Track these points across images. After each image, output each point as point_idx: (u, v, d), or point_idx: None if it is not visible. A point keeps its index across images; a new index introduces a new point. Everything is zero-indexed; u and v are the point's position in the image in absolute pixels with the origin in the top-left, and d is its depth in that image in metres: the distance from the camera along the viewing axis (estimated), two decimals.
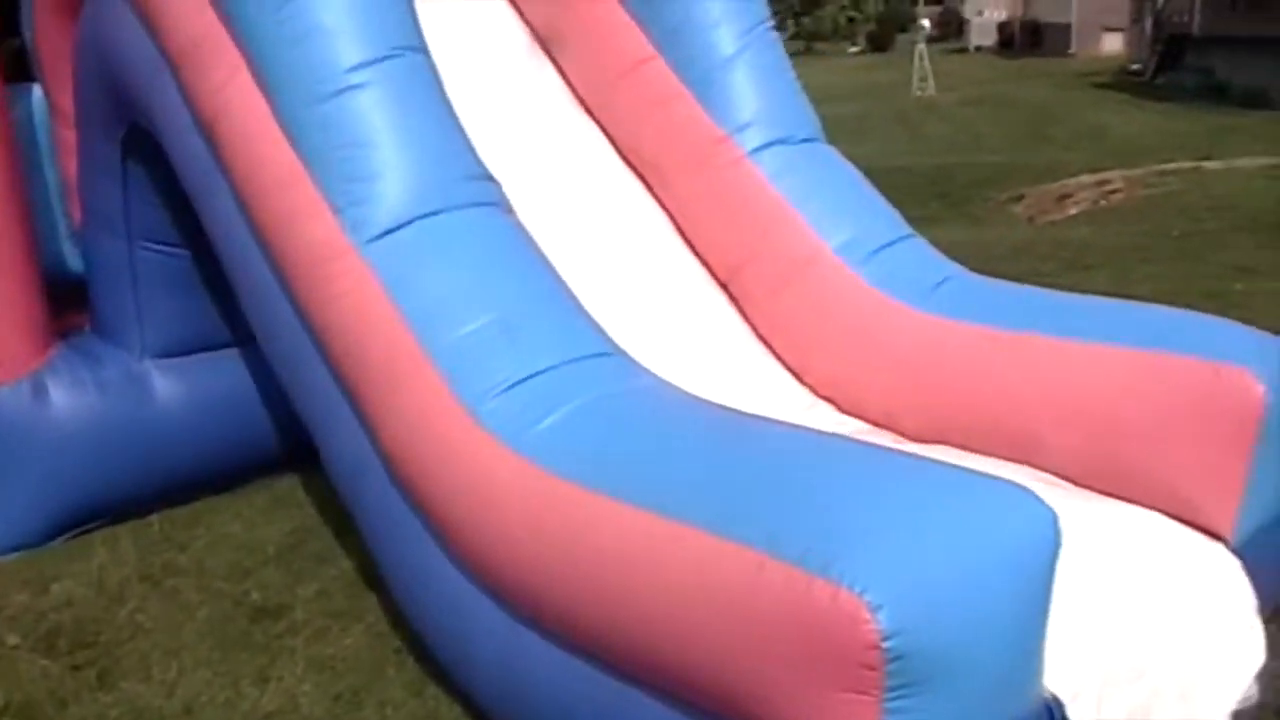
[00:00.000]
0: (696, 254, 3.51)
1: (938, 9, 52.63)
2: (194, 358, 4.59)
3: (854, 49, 48.85)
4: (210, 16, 2.89)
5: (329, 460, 2.94)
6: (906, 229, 3.36)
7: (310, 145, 2.70)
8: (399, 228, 2.61)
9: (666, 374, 3.13)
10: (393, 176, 2.66)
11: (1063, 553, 2.39)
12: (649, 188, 3.62)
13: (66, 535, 4.44)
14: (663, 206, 3.59)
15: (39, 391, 4.37)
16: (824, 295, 3.22)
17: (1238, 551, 2.58)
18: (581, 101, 3.74)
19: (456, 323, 2.47)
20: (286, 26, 2.72)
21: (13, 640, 3.63)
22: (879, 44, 49.29)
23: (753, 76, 3.44)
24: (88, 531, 4.43)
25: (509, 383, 2.36)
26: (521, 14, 3.89)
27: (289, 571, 3.92)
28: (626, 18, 3.55)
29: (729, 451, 2.06)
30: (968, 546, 1.73)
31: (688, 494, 1.94)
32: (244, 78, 2.82)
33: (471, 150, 2.86)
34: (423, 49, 2.88)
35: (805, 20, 28.10)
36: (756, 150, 3.37)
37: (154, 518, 4.50)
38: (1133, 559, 2.49)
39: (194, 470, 4.67)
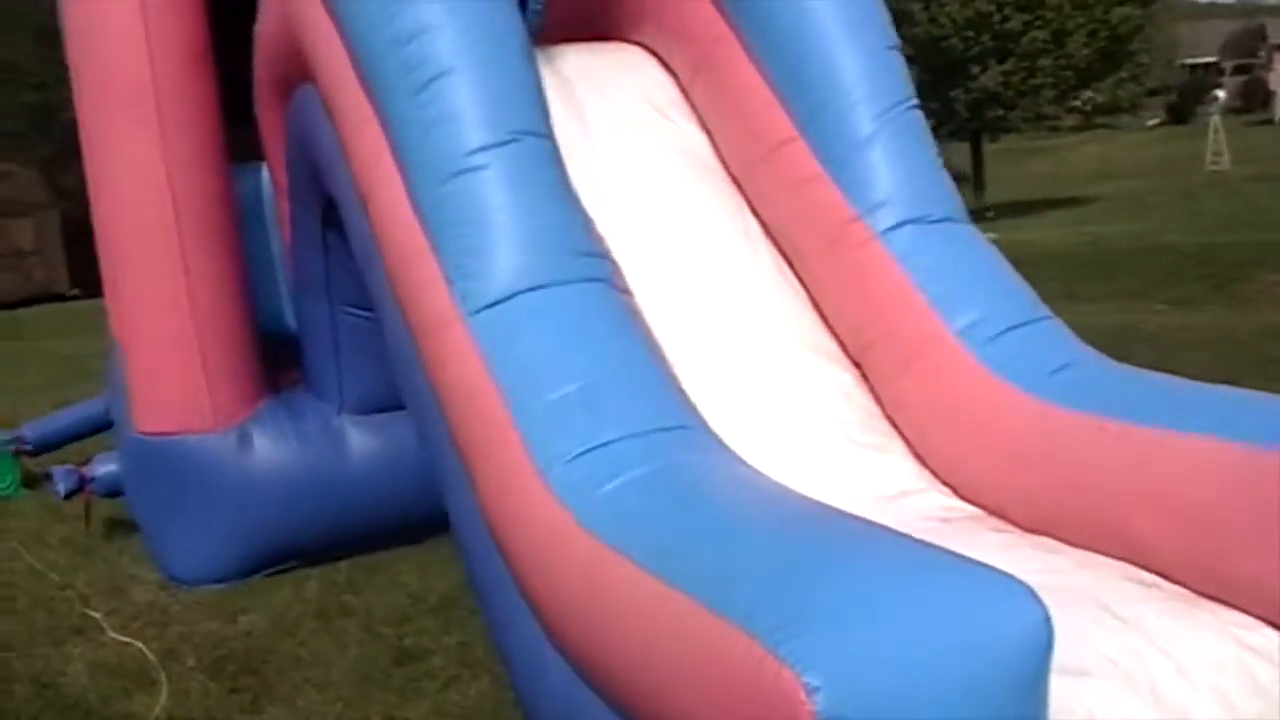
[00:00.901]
0: (832, 333, 3.53)
1: (1242, 79, 49.82)
2: (389, 415, 4.92)
3: (1152, 121, 46.85)
4: (364, 103, 3.16)
5: (451, 517, 3.12)
6: (1039, 311, 3.28)
7: (434, 221, 2.92)
8: (502, 300, 2.77)
9: (791, 448, 3.22)
10: (502, 252, 2.83)
11: (1144, 661, 2.30)
12: (790, 266, 3.66)
13: (263, 573, 4.84)
14: (803, 285, 3.63)
15: (245, 440, 4.80)
16: (940, 378, 3.18)
17: None
18: (728, 169, 3.83)
19: (542, 391, 2.60)
20: (422, 111, 2.96)
21: (190, 662, 3.99)
22: (1179, 115, 47.09)
23: (889, 156, 3.45)
24: (283, 571, 4.82)
25: (580, 450, 2.47)
26: (668, 67, 4.02)
27: (443, 620, 4.15)
28: (770, 96, 3.63)
29: (750, 527, 2.10)
30: (932, 636, 1.70)
31: (694, 563, 2.00)
32: (387, 160, 3.07)
33: (586, 228, 3.01)
34: (546, 134, 3.07)
35: (1095, 94, 27.05)
36: (888, 230, 3.37)
37: (342, 564, 4.83)
38: (1226, 671, 2.34)
39: (383, 520, 4.99)
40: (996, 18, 25.82)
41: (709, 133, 3.94)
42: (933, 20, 25.86)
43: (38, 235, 24.79)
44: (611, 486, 2.37)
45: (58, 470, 5.30)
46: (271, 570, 4.82)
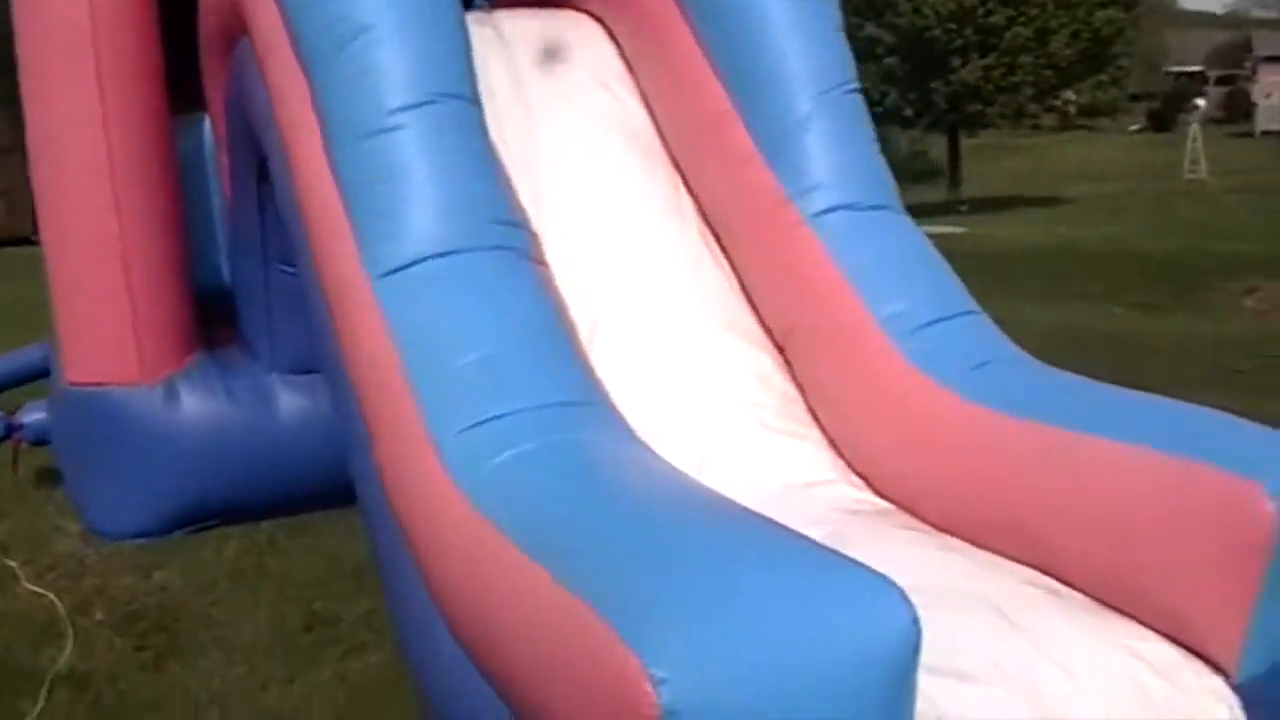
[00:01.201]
0: (757, 316, 3.49)
1: (1226, 89, 49.97)
2: (319, 376, 4.85)
3: (1134, 126, 46.91)
4: (291, 58, 3.09)
5: (355, 483, 3.06)
6: (965, 305, 3.24)
7: (348, 182, 2.86)
8: (410, 265, 2.71)
9: (702, 431, 3.18)
10: (414, 216, 2.77)
11: (1032, 667, 2.27)
12: (723, 247, 3.61)
13: (185, 530, 4.77)
14: (734, 268, 3.58)
15: (172, 394, 4.73)
16: (861, 367, 3.14)
17: (1239, 689, 2.37)
18: (667, 146, 3.78)
19: (442, 359, 2.55)
20: (343, 68, 2.89)
21: (100, 616, 3.94)
22: (1161, 123, 47.17)
23: (825, 139, 3.39)
24: (205, 529, 4.75)
25: (473, 422, 2.42)
26: (613, 37, 3.96)
27: (357, 586, 4.10)
28: (709, 69, 3.57)
29: (626, 509, 2.05)
30: (790, 632, 1.66)
31: (563, 542, 1.96)
32: (310, 117, 3.01)
33: (505, 196, 2.95)
34: (470, 98, 3.01)
35: (1075, 95, 27.10)
36: (818, 214, 3.32)
37: (265, 525, 4.77)
38: (1116, 681, 2.32)
39: (309, 483, 4.91)
40: (980, 11, 25.70)
41: (650, 107, 3.89)
42: (916, 10, 25.74)
43: (4, 177, 24.39)
44: (499, 460, 2.32)
45: None
46: (194, 528, 4.76)
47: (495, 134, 3.54)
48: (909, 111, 27.27)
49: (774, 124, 3.44)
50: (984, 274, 12.62)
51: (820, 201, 3.35)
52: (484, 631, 2.14)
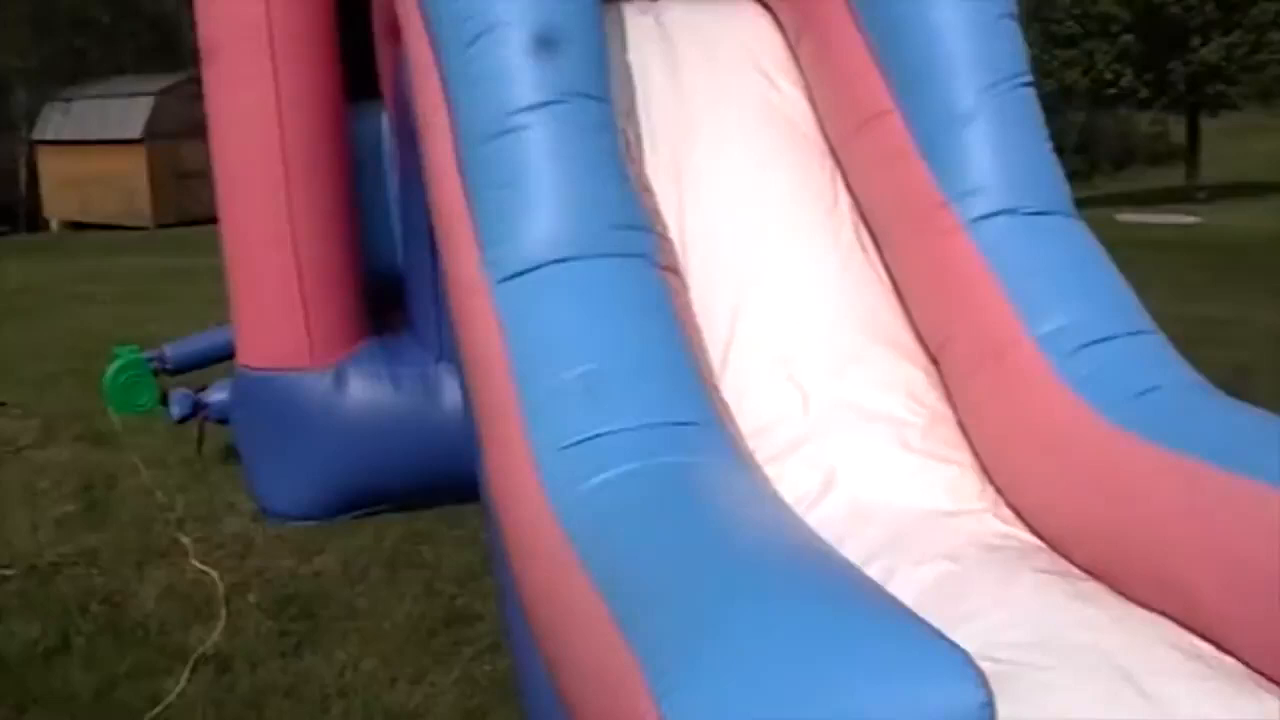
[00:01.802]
0: (911, 325, 3.27)
1: None
2: None
3: None
4: (428, 53, 3.05)
5: (480, 483, 3.02)
6: (1137, 323, 2.94)
7: (473, 182, 2.80)
8: (528, 270, 2.64)
9: (842, 451, 2.99)
10: (535, 219, 2.69)
11: None
12: (878, 248, 3.41)
13: (351, 515, 4.85)
14: (888, 270, 3.37)
15: (340, 380, 4.81)
16: (1013, 388, 2.89)
17: None
18: (828, 141, 3.59)
19: (551, 371, 2.46)
20: (471, 66, 2.83)
21: (254, 598, 4.03)
22: None
23: (989, 137, 3.14)
24: (370, 515, 4.82)
25: (575, 439, 2.33)
26: (781, 25, 3.79)
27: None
28: (869, 62, 3.36)
29: (704, 548, 1.91)
30: (837, 708, 1.49)
31: (631, 578, 1.84)
32: (442, 115, 2.96)
33: (631, 199, 2.83)
34: (599, 96, 2.89)
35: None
36: (978, 219, 3.08)
37: (428, 513, 4.81)
38: None
39: (472, 473, 4.93)
40: None
41: (813, 100, 3.70)
42: None
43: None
44: (595, 481, 2.21)
45: (175, 393, 5.43)
46: (360, 513, 4.84)
47: (646, 125, 3.46)
48: (1145, 92, 25.81)
49: (934, 120, 3.20)
50: (1214, 268, 11.93)
51: (981, 205, 3.10)
52: (554, 653, 2.05)
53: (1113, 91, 26.06)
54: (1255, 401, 6.60)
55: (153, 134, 24.82)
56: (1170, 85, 25.41)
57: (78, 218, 26.86)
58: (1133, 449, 2.58)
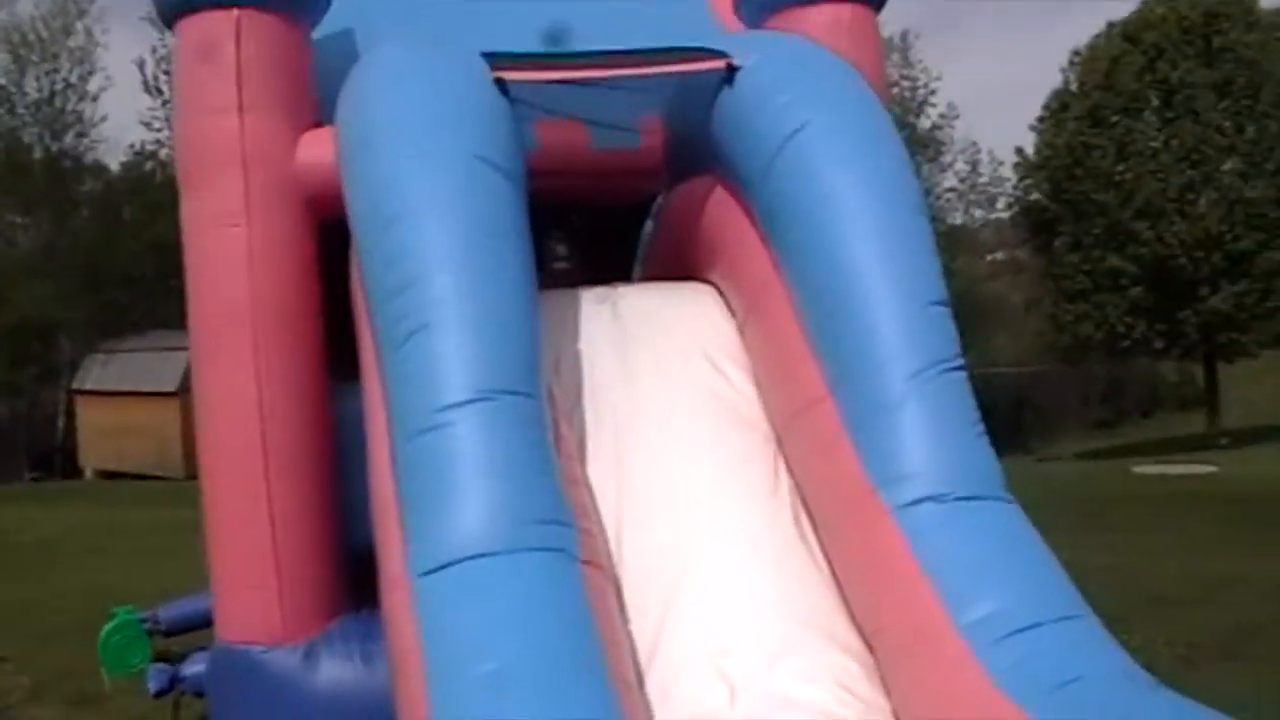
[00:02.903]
0: (848, 612, 3.28)
1: None
2: None
3: None
4: (370, 349, 3.21)
5: None
6: (1066, 608, 2.94)
7: (402, 477, 2.90)
8: (448, 565, 2.71)
9: None
10: (457, 514, 2.78)
11: None
12: (818, 534, 3.46)
13: None
14: (826, 557, 3.41)
15: (311, 657, 4.79)
16: (940, 678, 2.88)
17: None
18: (774, 427, 3.68)
19: (460, 667, 2.50)
20: (403, 365, 2.98)
21: None
22: None
23: (918, 423, 3.22)
24: None
25: None
26: (731, 311, 3.93)
27: None
28: (807, 350, 3.48)
29: None
30: None
31: None
32: (381, 410, 3.10)
33: (556, 495, 2.91)
34: (529, 392, 3.02)
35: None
36: (906, 506, 3.13)
37: None
38: None
39: None
40: (1228, 237, 24.77)
41: (758, 382, 3.83)
42: (1159, 239, 25.00)
43: None
44: None
45: (152, 668, 5.44)
46: None
47: (591, 412, 3.58)
48: (1159, 343, 26.19)
49: (865, 407, 3.30)
50: (1228, 521, 11.78)
51: (909, 492, 3.16)
52: None
53: (1127, 344, 26.47)
54: (1257, 658, 6.39)
55: (188, 388, 25.44)
56: (1183, 335, 25.80)
57: (112, 466, 27.38)
58: None
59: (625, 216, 4.89)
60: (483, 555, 2.71)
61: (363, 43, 4.77)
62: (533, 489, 2.87)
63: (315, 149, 4.36)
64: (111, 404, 27.66)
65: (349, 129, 3.61)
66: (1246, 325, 25.30)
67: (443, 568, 2.71)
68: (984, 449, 3.30)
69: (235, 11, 4.29)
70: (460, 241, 3.06)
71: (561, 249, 4.47)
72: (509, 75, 3.60)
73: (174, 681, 5.41)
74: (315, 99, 4.54)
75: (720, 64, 3.79)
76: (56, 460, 29.59)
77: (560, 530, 2.84)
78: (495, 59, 3.66)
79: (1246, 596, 8.08)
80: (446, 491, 2.81)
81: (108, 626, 5.74)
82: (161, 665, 5.45)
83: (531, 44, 4.14)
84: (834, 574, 3.36)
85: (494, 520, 2.77)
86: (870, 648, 3.20)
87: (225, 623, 4.94)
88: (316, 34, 4.60)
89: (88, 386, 28.76)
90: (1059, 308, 27.49)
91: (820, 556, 3.40)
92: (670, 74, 3.94)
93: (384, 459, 3.01)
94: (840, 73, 3.80)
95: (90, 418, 28.68)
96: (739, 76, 3.75)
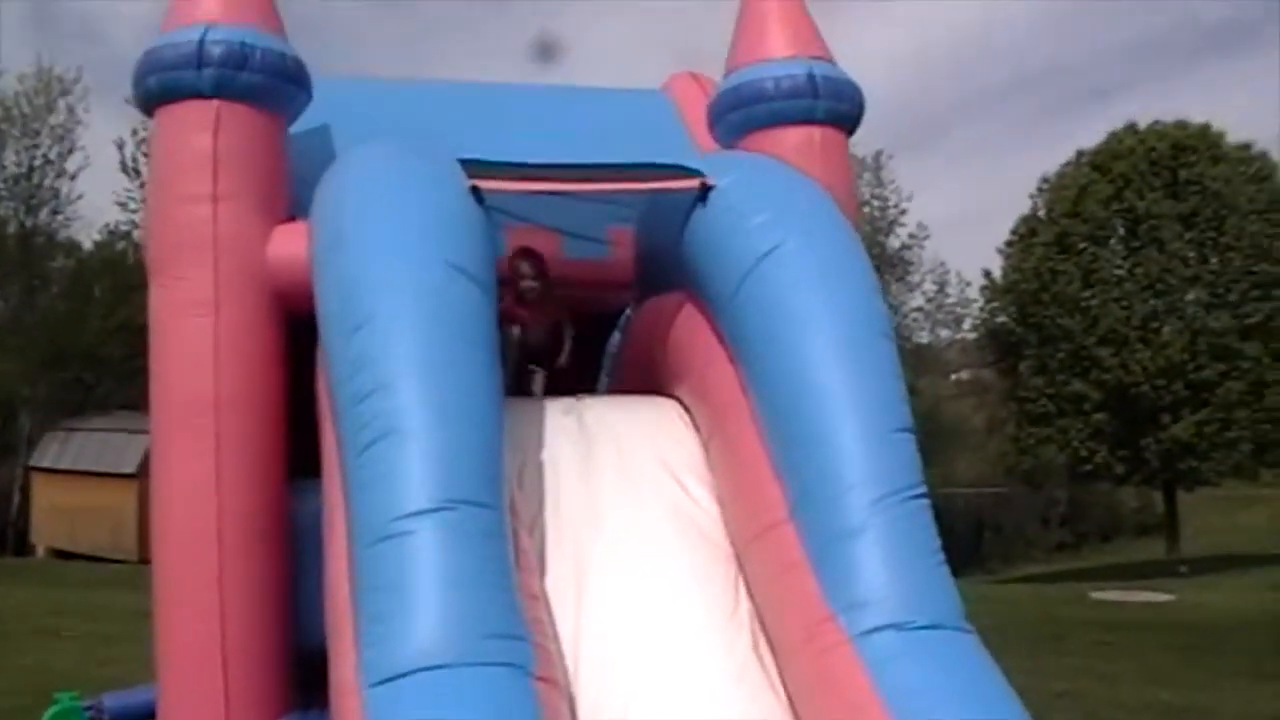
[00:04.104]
0: None
1: None
2: None
3: None
4: (333, 453, 3.19)
5: None
6: None
7: (358, 580, 2.86)
8: (400, 676, 2.66)
9: None
10: (411, 625, 2.74)
11: None
12: (775, 658, 3.42)
13: None
14: (783, 681, 3.36)
15: None
16: None
17: None
18: (735, 545, 3.66)
19: None
20: (364, 471, 2.96)
21: None
22: None
23: (878, 550, 3.21)
24: None
25: None
26: (696, 427, 3.93)
27: None
28: (770, 472, 3.48)
29: None
30: None
31: None
32: (340, 515, 3.07)
33: (512, 608, 2.88)
34: (490, 503, 3.00)
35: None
36: (864, 634, 3.11)
37: None
38: None
39: None
40: (1190, 366, 25.11)
41: (720, 502, 3.81)
42: (1123, 366, 25.31)
43: None
44: None
45: None
46: None
47: (553, 524, 3.55)
48: (1120, 469, 26.37)
49: (826, 533, 3.30)
50: (1184, 650, 11.72)
51: (867, 620, 3.14)
52: None
53: (1089, 468, 26.63)
54: None
55: (148, 470, 25.11)
56: (1145, 462, 25.98)
57: (65, 546, 26.86)
58: None
59: (593, 327, 4.92)
60: (436, 667, 2.68)
61: (341, 140, 4.82)
62: (490, 602, 2.84)
63: (289, 243, 4.37)
64: (68, 483, 27.24)
65: (323, 227, 3.63)
66: (1207, 454, 25.49)
67: (395, 678, 2.66)
68: (944, 578, 3.29)
69: (215, 102, 4.32)
70: (428, 349, 3.07)
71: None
72: (484, 184, 3.63)
73: None
74: (291, 193, 4.57)
75: (694, 183, 3.85)
76: (9, 537, 29.03)
77: (516, 645, 2.80)
78: (471, 166, 3.70)
79: None
80: (403, 601, 2.77)
81: (50, 712, 5.58)
82: None
83: (511, 146, 4.15)
84: (789, 698, 3.31)
85: (449, 633, 2.73)
86: None
87: (170, 716, 4.82)
88: (295, 129, 4.63)
89: (45, 464, 28.33)
90: (1022, 430, 27.67)
91: (777, 680, 3.36)
92: (645, 191, 3.99)
93: (341, 561, 2.97)
94: (812, 196, 3.87)
95: (45, 496, 28.22)
96: (712, 196, 3.80)
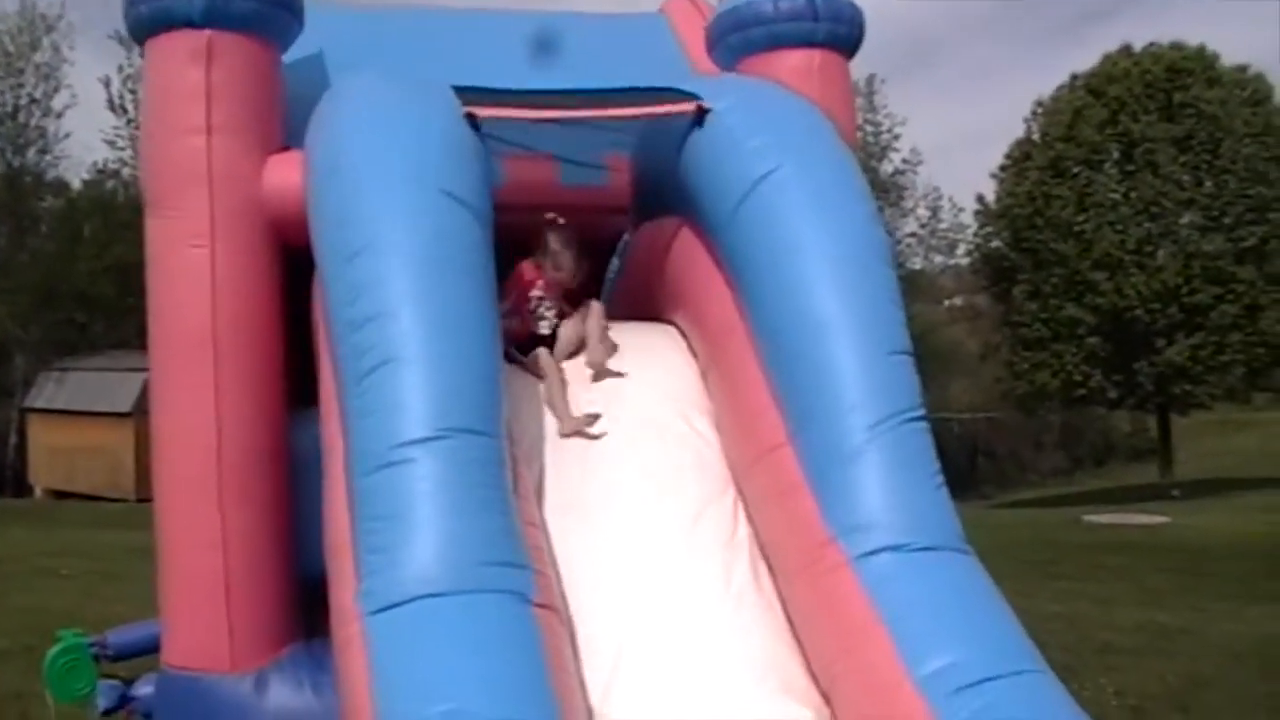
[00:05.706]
0: (804, 661, 3.27)
1: None
2: None
3: None
4: (330, 383, 3.18)
5: None
6: (1021, 662, 2.94)
7: (357, 509, 2.87)
8: (400, 604, 2.68)
9: None
10: (412, 552, 2.75)
11: None
12: (776, 582, 3.44)
13: None
14: (784, 605, 3.39)
15: (261, 685, 4.71)
16: None
17: None
18: (733, 472, 3.67)
19: (411, 707, 2.47)
20: (362, 399, 2.96)
21: None
22: None
23: (877, 473, 3.22)
24: None
25: None
26: (694, 353, 3.93)
27: None
28: (769, 398, 3.48)
29: None
30: None
31: None
32: (339, 444, 3.07)
33: (512, 535, 2.89)
34: (489, 431, 2.99)
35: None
36: (864, 556, 3.13)
37: None
38: None
39: None
40: (1184, 290, 25.15)
41: (719, 429, 3.81)
42: (1117, 290, 25.33)
43: None
44: None
45: (103, 684, 5.32)
46: None
47: (551, 452, 3.55)
48: (1114, 393, 26.49)
49: (825, 456, 3.29)
50: (1178, 572, 11.86)
51: (867, 542, 3.15)
52: None
53: (1083, 392, 26.76)
54: (1208, 711, 6.44)
55: (143, 409, 25.16)
56: (1138, 386, 26.11)
57: (62, 486, 26.97)
58: None
59: (592, 254, 4.89)
60: (435, 595, 2.69)
61: (335, 68, 4.76)
62: (489, 530, 2.85)
63: (283, 172, 4.33)
64: (64, 424, 27.28)
65: (317, 157, 3.59)
66: (1201, 378, 25.63)
67: (395, 606, 2.68)
68: (943, 500, 3.30)
69: (207, 32, 4.26)
70: (425, 277, 3.05)
71: None
72: (480, 111, 3.59)
73: (124, 700, 5.31)
74: (285, 122, 4.52)
75: (691, 106, 3.80)
76: (7, 478, 29.15)
77: (515, 572, 2.81)
78: (466, 94, 3.65)
79: (1198, 648, 8.14)
80: (402, 529, 2.78)
81: (54, 650, 5.62)
82: (113, 682, 5.34)
83: (505, 74, 4.11)
84: (790, 622, 3.34)
85: (448, 560, 2.74)
86: (826, 698, 3.18)
87: (174, 648, 4.86)
88: (288, 57, 4.57)
89: (40, 405, 28.35)
90: (1016, 355, 27.78)
91: (777, 605, 3.38)
92: (642, 116, 3.95)
93: (340, 490, 2.98)
94: (810, 119, 3.83)
95: (41, 437, 28.27)
96: (709, 119, 3.76)
